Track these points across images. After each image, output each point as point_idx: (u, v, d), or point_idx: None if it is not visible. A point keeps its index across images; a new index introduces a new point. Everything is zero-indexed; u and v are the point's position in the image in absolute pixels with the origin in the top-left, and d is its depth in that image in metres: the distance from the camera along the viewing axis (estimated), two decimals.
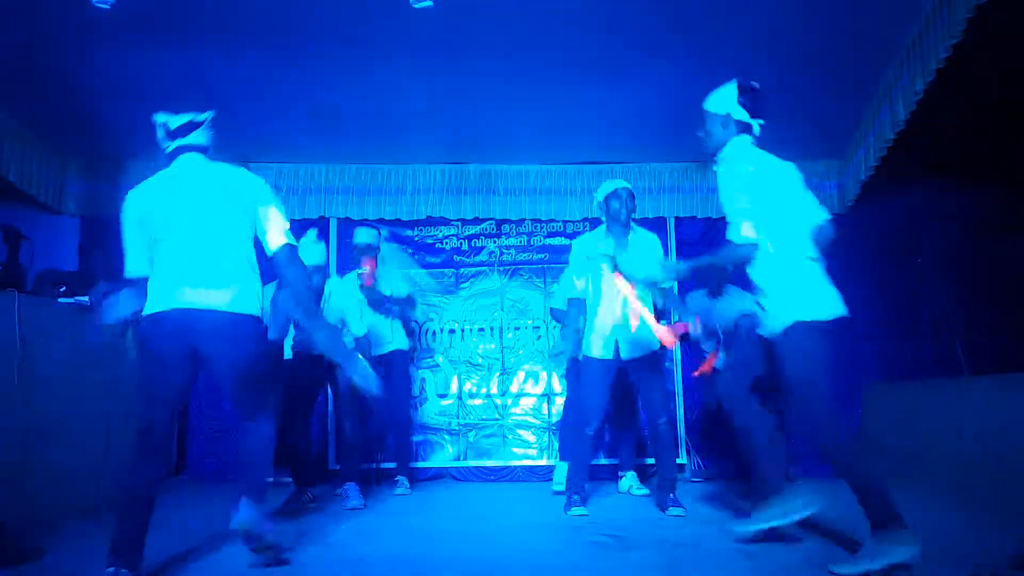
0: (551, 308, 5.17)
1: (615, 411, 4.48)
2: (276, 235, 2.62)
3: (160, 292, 2.49)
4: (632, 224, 3.92)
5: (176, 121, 2.64)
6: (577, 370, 4.30)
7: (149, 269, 2.56)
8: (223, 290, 2.48)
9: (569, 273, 4.22)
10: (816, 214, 2.81)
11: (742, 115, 2.81)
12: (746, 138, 2.82)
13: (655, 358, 3.85)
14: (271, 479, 3.65)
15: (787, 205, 2.72)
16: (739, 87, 2.83)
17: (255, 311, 2.58)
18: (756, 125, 2.83)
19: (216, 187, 2.60)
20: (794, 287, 2.63)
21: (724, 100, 2.84)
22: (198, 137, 2.65)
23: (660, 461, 3.98)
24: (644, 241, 3.90)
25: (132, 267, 2.60)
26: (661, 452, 3.92)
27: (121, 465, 2.94)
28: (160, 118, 2.66)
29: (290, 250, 2.64)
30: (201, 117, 2.67)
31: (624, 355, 3.79)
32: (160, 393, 2.48)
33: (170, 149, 2.65)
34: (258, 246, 2.66)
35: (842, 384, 5.49)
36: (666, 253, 5.67)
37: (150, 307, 2.50)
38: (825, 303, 2.62)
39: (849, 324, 2.66)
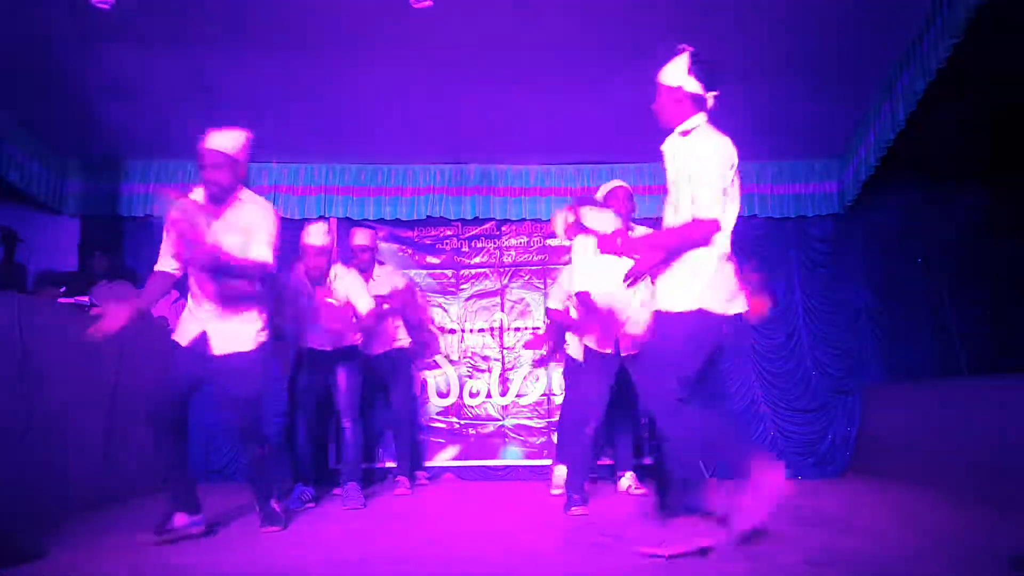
0: (547, 308, 5.15)
1: (612, 409, 4.46)
2: None
3: None
4: (632, 224, 3.90)
5: None
6: (575, 369, 4.29)
7: None
8: None
9: (568, 272, 4.16)
10: (736, 209, 2.72)
11: (695, 88, 2.71)
12: (703, 116, 2.73)
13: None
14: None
15: (727, 194, 2.64)
16: (692, 58, 2.72)
17: None
18: (711, 97, 2.73)
19: None
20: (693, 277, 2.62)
21: (677, 72, 2.74)
22: None
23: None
24: None
25: None
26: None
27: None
28: None
29: None
30: None
31: (624, 350, 3.74)
32: None
33: None
34: None
35: (842, 383, 5.51)
36: None
37: None
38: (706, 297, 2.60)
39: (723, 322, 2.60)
